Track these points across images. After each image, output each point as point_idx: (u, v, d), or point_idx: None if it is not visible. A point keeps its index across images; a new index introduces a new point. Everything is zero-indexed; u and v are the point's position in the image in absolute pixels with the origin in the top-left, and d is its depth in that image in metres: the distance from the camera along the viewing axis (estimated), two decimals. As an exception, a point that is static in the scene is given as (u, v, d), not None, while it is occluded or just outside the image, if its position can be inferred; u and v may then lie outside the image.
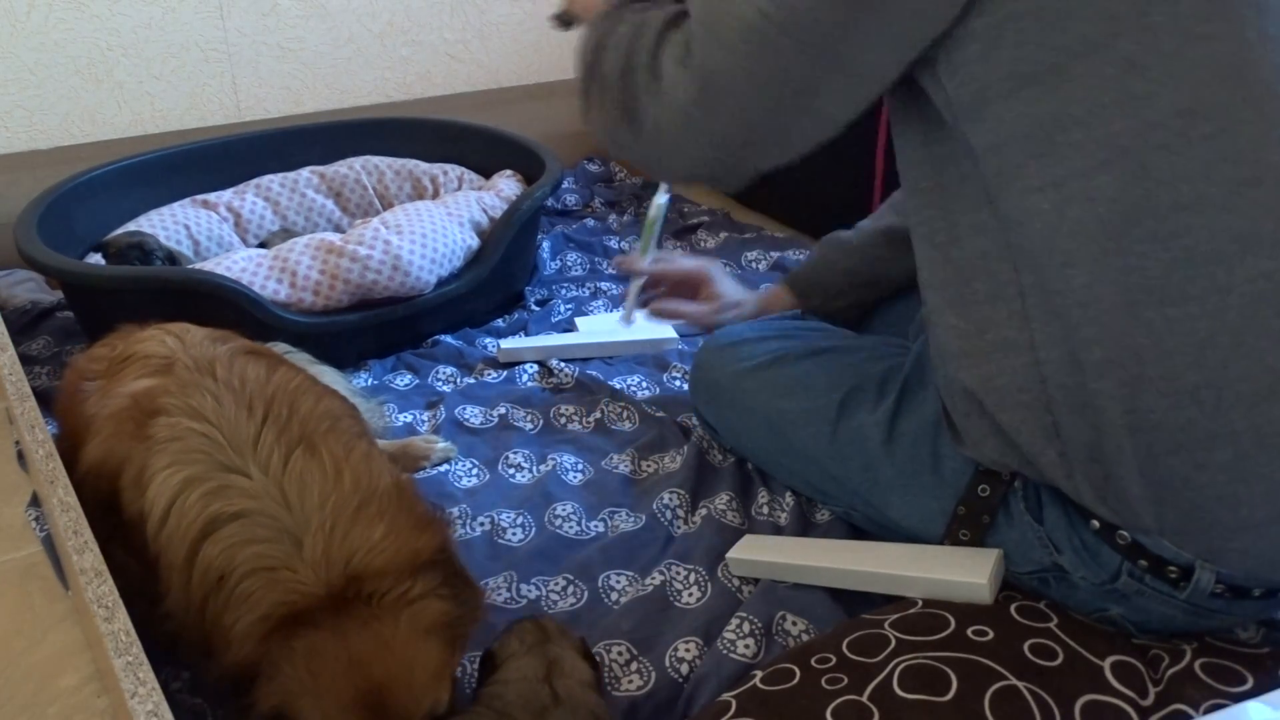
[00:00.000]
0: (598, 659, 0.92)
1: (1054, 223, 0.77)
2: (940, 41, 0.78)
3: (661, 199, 1.41)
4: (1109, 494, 0.81)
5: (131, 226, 1.64)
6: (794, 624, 0.96)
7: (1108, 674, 0.79)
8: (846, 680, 0.79)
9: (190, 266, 1.49)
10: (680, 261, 1.38)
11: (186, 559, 0.82)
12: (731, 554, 1.04)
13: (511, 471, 1.25)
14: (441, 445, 1.27)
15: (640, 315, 1.39)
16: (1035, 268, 0.79)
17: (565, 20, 1.05)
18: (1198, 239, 0.74)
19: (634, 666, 0.93)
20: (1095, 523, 0.84)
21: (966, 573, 0.89)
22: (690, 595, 1.02)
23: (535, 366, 1.48)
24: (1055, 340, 0.79)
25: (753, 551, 1.04)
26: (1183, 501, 0.78)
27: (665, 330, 1.54)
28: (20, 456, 1.17)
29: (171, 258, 1.53)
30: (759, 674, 0.84)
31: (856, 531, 1.07)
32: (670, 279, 1.37)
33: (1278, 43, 0.74)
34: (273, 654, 0.77)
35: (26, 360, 1.49)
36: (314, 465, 0.84)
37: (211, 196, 1.75)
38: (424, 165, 1.88)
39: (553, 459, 1.25)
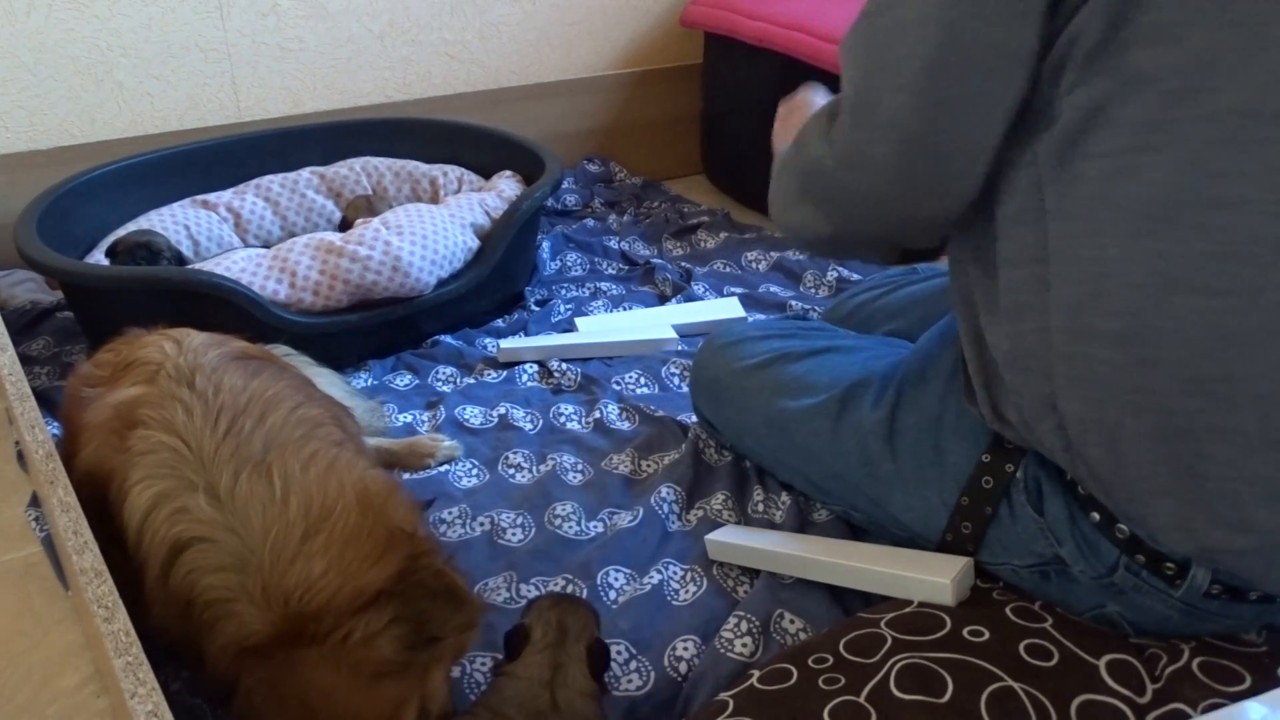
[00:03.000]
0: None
1: (1100, 191, 0.76)
2: None
3: None
4: (1106, 475, 0.80)
5: (137, 225, 1.64)
6: (791, 622, 0.96)
7: (1103, 673, 0.79)
8: (844, 680, 0.80)
9: (190, 267, 1.49)
10: None
11: (161, 578, 0.82)
12: (711, 536, 1.06)
13: (511, 471, 1.25)
14: (447, 444, 1.28)
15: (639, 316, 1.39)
16: (1070, 233, 0.78)
17: None
18: (1236, 237, 0.73)
19: (633, 666, 0.94)
20: (1096, 515, 0.84)
21: (931, 572, 0.90)
22: (686, 593, 1.02)
23: (535, 366, 1.49)
24: (1071, 308, 0.79)
25: (733, 536, 1.06)
26: (1185, 490, 0.77)
27: (665, 330, 1.55)
28: (20, 456, 1.17)
29: (180, 258, 1.53)
30: (756, 674, 0.84)
31: (855, 531, 1.07)
32: None
33: None
34: (243, 676, 0.78)
35: (26, 360, 1.49)
36: (260, 488, 0.83)
37: (211, 197, 1.75)
38: (423, 166, 1.88)
39: (553, 459, 1.25)
